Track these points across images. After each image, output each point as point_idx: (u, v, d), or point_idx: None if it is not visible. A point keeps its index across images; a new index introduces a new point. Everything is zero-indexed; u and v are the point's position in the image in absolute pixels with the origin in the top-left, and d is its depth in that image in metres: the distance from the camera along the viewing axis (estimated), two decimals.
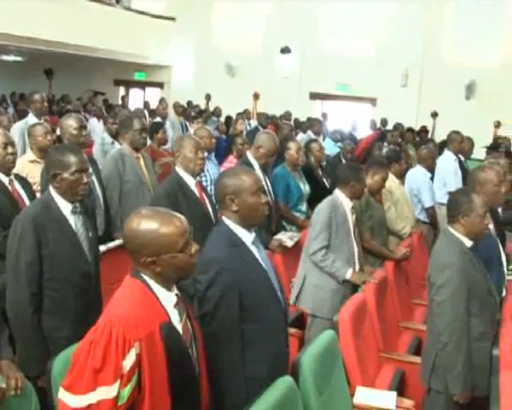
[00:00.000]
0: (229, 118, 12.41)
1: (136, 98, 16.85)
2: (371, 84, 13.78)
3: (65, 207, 2.92)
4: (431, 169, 6.40)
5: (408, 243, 5.17)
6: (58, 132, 4.82)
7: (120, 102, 15.22)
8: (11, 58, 16.59)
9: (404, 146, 9.65)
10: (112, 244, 3.95)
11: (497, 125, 12.86)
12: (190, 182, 3.85)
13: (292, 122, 11.49)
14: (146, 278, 2.04)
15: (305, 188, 5.60)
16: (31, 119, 5.67)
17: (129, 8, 14.41)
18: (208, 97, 14.57)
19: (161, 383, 1.96)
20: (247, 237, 2.54)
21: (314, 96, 14.95)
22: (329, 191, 4.70)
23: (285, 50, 14.56)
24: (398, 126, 11.09)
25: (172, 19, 15.57)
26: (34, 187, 4.01)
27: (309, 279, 4.13)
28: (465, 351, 3.08)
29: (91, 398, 1.85)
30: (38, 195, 3.83)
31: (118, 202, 4.54)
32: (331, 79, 14.19)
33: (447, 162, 6.84)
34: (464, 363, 3.06)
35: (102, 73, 16.04)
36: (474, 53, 12.87)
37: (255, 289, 2.46)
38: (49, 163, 2.99)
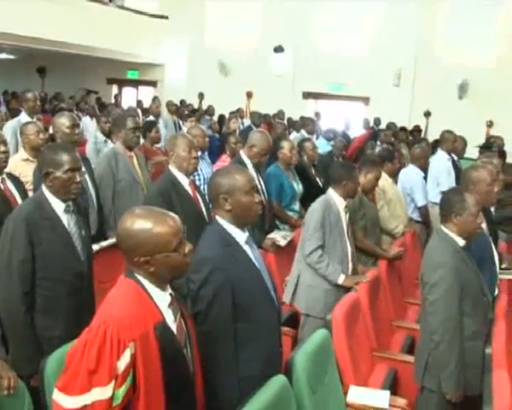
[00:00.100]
0: (222, 117, 12.42)
1: (129, 97, 16.79)
2: (364, 84, 13.78)
3: (58, 206, 2.91)
4: (424, 168, 6.40)
5: (401, 243, 5.18)
6: (51, 131, 4.80)
7: (113, 100, 15.13)
8: (3, 56, 16.50)
9: (397, 145, 9.63)
10: (105, 243, 3.95)
11: (490, 124, 12.91)
12: (184, 181, 3.83)
13: (285, 121, 11.46)
14: (140, 277, 2.03)
15: (299, 187, 5.60)
16: (23, 117, 5.65)
17: (122, 7, 14.36)
18: (201, 96, 14.54)
19: (156, 382, 1.96)
20: (241, 236, 2.54)
21: (307, 95, 14.93)
22: (322, 190, 4.70)
23: (278, 49, 14.53)
24: (391, 126, 11.10)
25: (165, 17, 15.53)
26: (26, 186, 4.00)
27: (303, 279, 4.12)
28: (458, 350, 3.08)
29: (86, 399, 1.85)
30: (31, 194, 3.81)
31: (111, 201, 4.54)
32: (324, 78, 14.18)
33: (440, 162, 6.85)
34: (457, 362, 3.07)
35: (95, 71, 15.96)
36: (466, 53, 12.89)
37: (248, 288, 2.46)
38: (42, 162, 2.98)
